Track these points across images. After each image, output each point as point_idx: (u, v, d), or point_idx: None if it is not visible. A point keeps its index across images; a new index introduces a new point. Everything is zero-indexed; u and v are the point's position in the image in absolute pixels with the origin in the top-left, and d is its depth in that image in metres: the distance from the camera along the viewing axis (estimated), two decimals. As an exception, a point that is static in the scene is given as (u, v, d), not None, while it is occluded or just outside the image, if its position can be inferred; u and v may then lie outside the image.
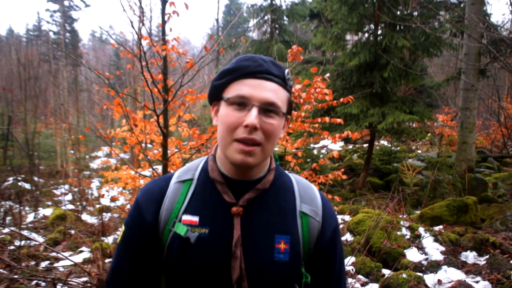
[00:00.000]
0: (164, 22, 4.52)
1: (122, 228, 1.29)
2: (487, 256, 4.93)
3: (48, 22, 36.21)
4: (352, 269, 4.83)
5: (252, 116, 1.09)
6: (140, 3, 4.23)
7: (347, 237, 5.70)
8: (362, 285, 4.50)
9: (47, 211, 10.07)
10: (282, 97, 1.17)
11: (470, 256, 5.09)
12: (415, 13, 10.75)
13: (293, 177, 1.35)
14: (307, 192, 1.31)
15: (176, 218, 1.20)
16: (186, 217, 1.19)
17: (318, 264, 1.29)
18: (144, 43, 4.28)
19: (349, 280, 4.54)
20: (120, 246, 1.28)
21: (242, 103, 1.12)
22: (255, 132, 1.11)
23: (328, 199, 1.36)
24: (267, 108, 1.12)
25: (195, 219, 1.19)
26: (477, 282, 4.36)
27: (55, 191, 15.55)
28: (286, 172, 1.37)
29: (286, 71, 1.20)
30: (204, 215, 1.20)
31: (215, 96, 1.23)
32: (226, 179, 1.23)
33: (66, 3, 32.27)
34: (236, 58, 1.21)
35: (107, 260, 5.57)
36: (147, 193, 1.27)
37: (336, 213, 1.36)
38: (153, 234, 1.23)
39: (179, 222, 1.19)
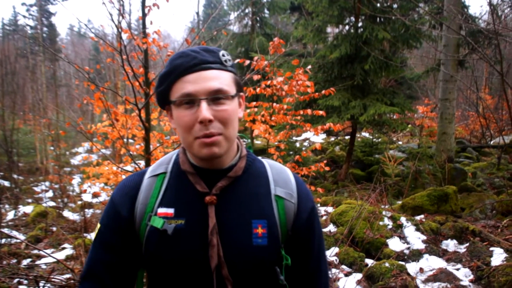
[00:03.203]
0: (144, 15, 4.47)
1: (97, 226, 1.29)
2: (467, 244, 5.03)
3: (24, 17, 35.37)
4: (336, 260, 4.88)
5: (203, 110, 1.09)
6: (120, -5, 4.17)
7: (330, 228, 5.74)
8: (345, 275, 4.54)
9: (28, 209, 9.93)
10: (226, 81, 1.16)
11: (450, 244, 5.19)
12: (395, 5, 10.82)
13: (266, 162, 1.36)
14: (280, 176, 1.31)
15: (152, 212, 1.21)
16: (162, 210, 1.20)
17: (297, 245, 1.30)
18: (124, 36, 4.23)
19: (333, 270, 4.58)
20: (95, 243, 1.28)
21: (189, 101, 1.12)
22: (211, 125, 1.11)
23: (302, 181, 1.36)
24: (215, 97, 1.12)
25: (171, 211, 1.20)
26: (457, 269, 4.44)
27: (35, 188, 15.33)
28: (259, 158, 1.38)
29: (221, 52, 1.19)
30: (179, 206, 1.21)
31: (164, 101, 1.23)
32: (197, 170, 1.23)
33: (42, -4, 31.68)
34: (169, 59, 1.20)
35: (90, 256, 5.51)
36: (121, 189, 1.28)
37: (312, 194, 1.38)
38: (129, 229, 1.23)
39: (154, 216, 1.20)
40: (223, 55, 1.19)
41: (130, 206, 1.24)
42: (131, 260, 1.26)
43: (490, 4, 6.31)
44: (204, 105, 1.10)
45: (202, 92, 1.11)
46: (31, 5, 32.80)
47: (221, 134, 1.13)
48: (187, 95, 1.12)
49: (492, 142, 14.96)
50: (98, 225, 1.29)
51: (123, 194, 1.27)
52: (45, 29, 32.73)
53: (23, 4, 32.14)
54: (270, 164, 1.35)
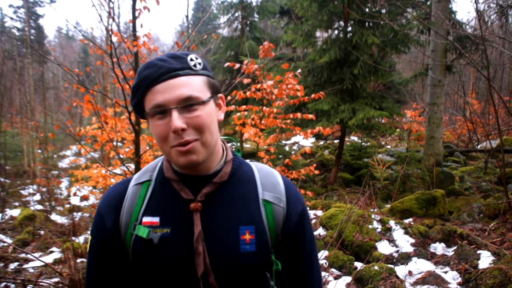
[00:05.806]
0: (134, 18, 4.47)
1: (89, 237, 1.29)
2: (455, 247, 5.07)
3: (12, 19, 35.12)
4: (325, 263, 4.89)
5: (175, 120, 1.08)
6: (110, -2, 4.17)
7: (320, 231, 5.76)
8: (335, 278, 4.56)
9: (15, 212, 9.83)
10: (197, 86, 1.14)
11: (439, 248, 5.23)
12: (384, 10, 10.90)
13: (254, 165, 1.34)
14: (269, 179, 1.29)
15: (137, 221, 1.19)
16: (147, 219, 1.18)
17: (288, 249, 1.28)
18: (114, 39, 4.22)
19: (323, 273, 4.59)
20: (90, 255, 1.28)
21: (161, 111, 1.11)
22: (185, 133, 1.09)
23: (292, 184, 1.34)
24: (186, 105, 1.11)
25: (156, 220, 1.18)
26: (445, 272, 4.48)
27: (22, 191, 15.18)
28: (247, 161, 1.35)
29: (189, 57, 1.17)
30: (164, 215, 1.19)
31: (141, 113, 1.22)
32: (182, 177, 1.22)
33: (30, -2, 31.40)
34: (138, 71, 1.19)
35: (78, 260, 5.48)
36: (106, 200, 1.27)
37: (302, 197, 1.36)
38: (115, 239, 1.22)
39: (139, 225, 1.18)
40: (191, 60, 1.16)
41: (115, 217, 1.23)
42: (124, 269, 1.25)
43: (477, 10, 6.40)
44: (175, 114, 1.08)
45: (171, 101, 1.09)
46: (18, 7, 32.50)
47: (197, 140, 1.11)
48: (157, 106, 1.10)
49: (479, 146, 15.10)
50: (90, 237, 1.28)
51: (108, 204, 1.25)
52: (32, 31, 32.44)
53: (10, 6, 31.80)
54: (258, 168, 1.32)
